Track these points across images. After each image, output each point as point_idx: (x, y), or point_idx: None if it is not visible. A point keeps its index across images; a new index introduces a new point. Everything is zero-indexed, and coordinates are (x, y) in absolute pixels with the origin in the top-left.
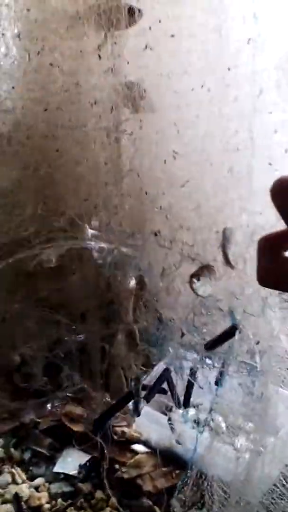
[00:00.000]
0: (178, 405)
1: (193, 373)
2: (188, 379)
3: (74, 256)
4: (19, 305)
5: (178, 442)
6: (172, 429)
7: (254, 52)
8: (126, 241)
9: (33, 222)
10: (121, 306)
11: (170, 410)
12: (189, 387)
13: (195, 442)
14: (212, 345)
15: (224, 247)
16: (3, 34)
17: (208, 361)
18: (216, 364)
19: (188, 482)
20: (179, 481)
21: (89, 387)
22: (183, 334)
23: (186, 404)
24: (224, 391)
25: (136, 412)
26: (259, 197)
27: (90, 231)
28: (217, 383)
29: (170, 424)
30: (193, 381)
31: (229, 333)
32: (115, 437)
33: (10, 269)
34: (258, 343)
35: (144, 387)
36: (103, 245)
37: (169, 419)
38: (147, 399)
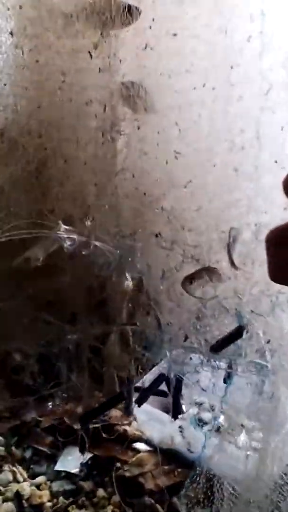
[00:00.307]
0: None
1: (179, 382)
2: (175, 390)
3: (66, 255)
4: (9, 302)
5: (190, 451)
6: (184, 437)
7: (261, 50)
8: (124, 242)
9: (26, 219)
10: (113, 306)
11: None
12: (176, 397)
13: (202, 441)
14: (218, 346)
15: (229, 247)
16: None
17: (212, 363)
18: (222, 366)
19: (198, 480)
20: (188, 479)
21: (81, 386)
22: (186, 337)
23: (175, 415)
24: (233, 391)
25: (128, 412)
26: (264, 196)
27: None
28: (225, 381)
29: (181, 431)
30: (179, 390)
31: (236, 334)
32: (105, 435)
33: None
34: (268, 342)
35: (137, 389)
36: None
37: (180, 427)
38: (139, 403)
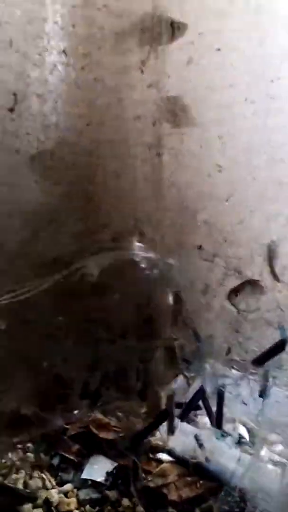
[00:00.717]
0: (215, 424)
1: (221, 392)
2: (218, 399)
3: (116, 272)
4: (63, 321)
5: (207, 460)
6: (200, 445)
7: None
8: (168, 255)
9: (78, 237)
10: (159, 322)
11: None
12: (220, 406)
13: (235, 456)
14: (261, 359)
15: (270, 260)
16: (48, 50)
17: (251, 377)
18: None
19: (231, 494)
20: (222, 493)
21: (126, 402)
22: (229, 350)
23: (219, 425)
24: (270, 404)
25: (171, 430)
26: None
27: (137, 244)
28: (261, 395)
29: (198, 441)
30: (222, 400)
31: (279, 347)
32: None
33: (54, 286)
34: None
35: (179, 405)
36: (150, 255)
37: (196, 436)
38: (182, 418)
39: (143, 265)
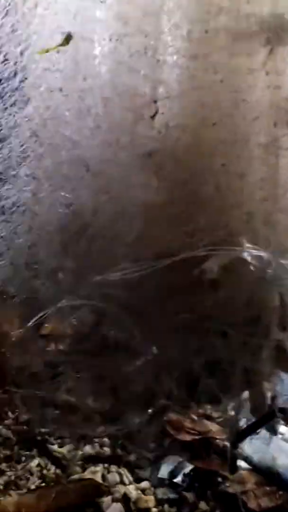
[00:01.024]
0: None
1: None
2: None
3: (228, 269)
4: (184, 317)
5: None
6: None
7: None
8: (282, 257)
9: (192, 234)
10: (267, 322)
11: None
12: None
13: None
14: None
15: None
16: (175, 55)
17: None
18: None
19: None
20: None
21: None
22: None
23: None
24: None
25: (273, 431)
26: None
27: (246, 244)
28: None
29: None
30: None
31: None
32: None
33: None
34: None
35: (281, 410)
36: (262, 254)
37: None
38: (286, 420)
39: (255, 264)
